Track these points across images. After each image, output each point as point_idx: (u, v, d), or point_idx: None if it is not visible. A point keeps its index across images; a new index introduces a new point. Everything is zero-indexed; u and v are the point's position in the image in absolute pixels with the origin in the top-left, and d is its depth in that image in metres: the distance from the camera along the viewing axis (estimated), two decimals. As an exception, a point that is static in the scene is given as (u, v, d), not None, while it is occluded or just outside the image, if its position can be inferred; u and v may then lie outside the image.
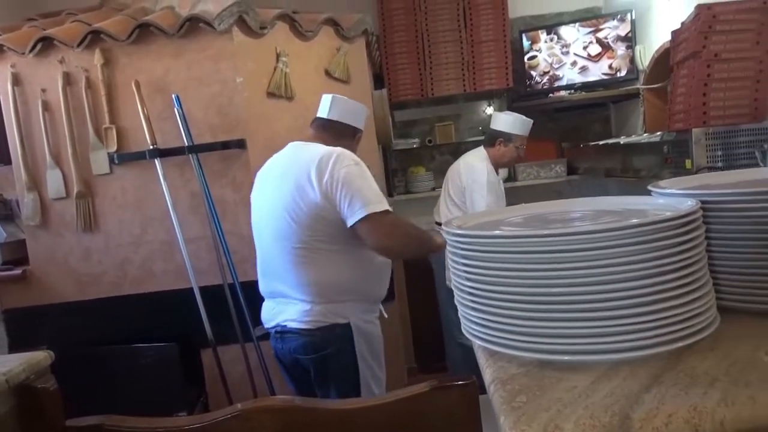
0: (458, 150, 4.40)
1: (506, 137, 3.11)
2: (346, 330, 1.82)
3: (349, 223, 1.73)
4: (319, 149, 1.83)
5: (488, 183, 3.00)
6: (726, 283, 0.86)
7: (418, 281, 3.66)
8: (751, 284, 0.84)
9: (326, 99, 2.03)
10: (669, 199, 0.91)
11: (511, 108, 4.22)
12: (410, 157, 4.38)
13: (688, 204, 0.81)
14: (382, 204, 1.74)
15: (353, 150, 1.94)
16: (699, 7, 2.46)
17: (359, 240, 1.78)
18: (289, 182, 1.81)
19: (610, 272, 0.74)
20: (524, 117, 3.15)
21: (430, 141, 4.19)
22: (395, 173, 4.33)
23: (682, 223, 0.76)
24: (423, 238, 1.90)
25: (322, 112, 2.02)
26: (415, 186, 4.23)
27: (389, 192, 4.09)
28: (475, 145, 4.24)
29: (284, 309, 1.87)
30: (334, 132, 1.99)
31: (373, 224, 1.72)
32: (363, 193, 1.73)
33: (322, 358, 1.82)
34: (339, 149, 1.82)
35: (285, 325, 1.85)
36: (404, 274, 3.67)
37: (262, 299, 2.02)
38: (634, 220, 0.76)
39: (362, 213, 1.70)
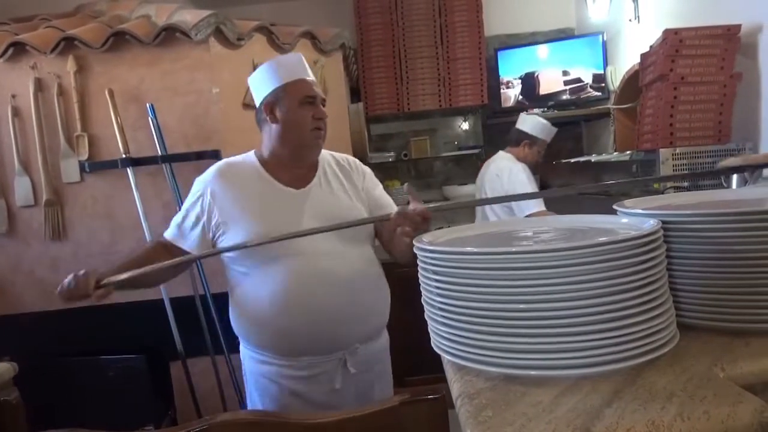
0: (433, 164, 4.45)
1: (532, 140, 3.22)
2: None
3: None
4: None
5: (529, 182, 3.09)
6: (686, 300, 0.89)
7: (394, 293, 3.66)
8: (709, 302, 0.87)
9: None
10: (632, 218, 0.94)
11: (485, 124, 4.30)
12: (386, 170, 4.40)
13: (650, 224, 0.84)
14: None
15: (279, 122, 1.61)
16: (666, 31, 2.54)
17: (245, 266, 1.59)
18: None
19: (574, 289, 0.76)
20: (550, 124, 3.28)
21: (405, 155, 4.22)
22: (370, 186, 4.35)
23: (644, 242, 0.79)
24: None
25: None
26: (390, 199, 4.25)
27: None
28: (455, 158, 4.32)
29: None
30: (257, 123, 1.75)
31: None
32: None
33: None
34: (214, 166, 1.71)
35: None
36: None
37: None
38: (598, 239, 0.78)
39: None
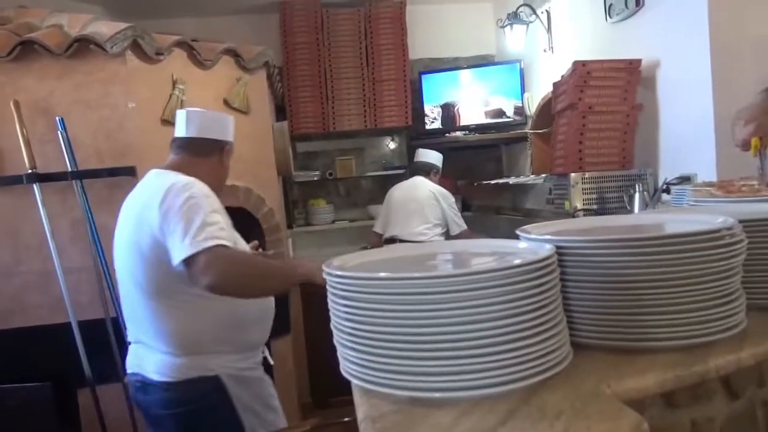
0: (359, 184, 4.49)
1: (437, 171, 3.71)
2: (215, 383, 1.64)
3: (174, 261, 1.47)
4: (170, 179, 1.61)
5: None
6: (580, 320, 0.95)
7: (316, 311, 3.63)
8: (599, 322, 0.92)
9: (181, 115, 1.81)
10: (532, 243, 0.99)
11: (411, 145, 4.40)
12: (311, 189, 4.40)
13: (545, 249, 0.89)
14: (214, 239, 1.45)
15: (223, 165, 1.85)
16: (575, 63, 2.70)
17: None
18: (137, 215, 1.62)
19: (473, 313, 0.79)
20: None
21: (331, 174, 4.23)
22: (295, 205, 4.33)
23: (537, 267, 0.83)
24: (269, 273, 1.64)
25: (179, 131, 1.79)
26: (315, 218, 4.25)
27: (289, 224, 4.07)
28: (381, 178, 4.37)
29: (147, 357, 1.68)
30: (196, 150, 1.78)
31: (199, 263, 1.43)
32: (193, 226, 1.46)
33: (187, 413, 1.62)
34: (189, 179, 1.62)
35: (147, 377, 1.66)
36: (301, 304, 3.64)
37: None
38: (495, 265, 0.82)
39: (188, 251, 1.43)
